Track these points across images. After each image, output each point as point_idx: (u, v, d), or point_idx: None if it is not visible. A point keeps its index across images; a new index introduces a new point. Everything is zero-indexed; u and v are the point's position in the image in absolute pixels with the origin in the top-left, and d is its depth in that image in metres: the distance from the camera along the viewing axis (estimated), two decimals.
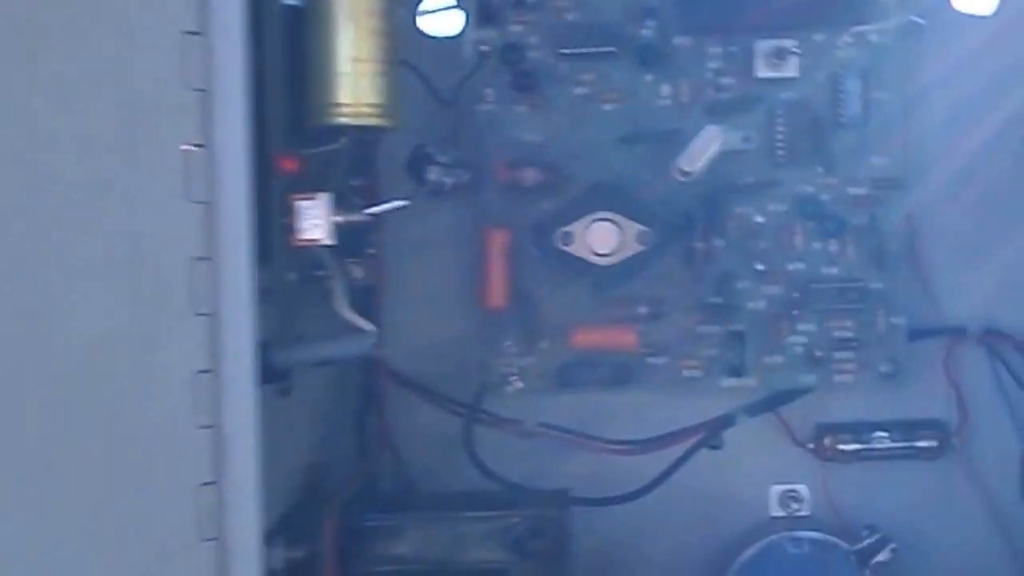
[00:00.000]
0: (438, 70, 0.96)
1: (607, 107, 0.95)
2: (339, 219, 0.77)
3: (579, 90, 0.95)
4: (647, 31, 0.95)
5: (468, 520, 0.87)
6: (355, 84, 0.78)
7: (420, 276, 0.97)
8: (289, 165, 0.74)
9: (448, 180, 0.90)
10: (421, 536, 0.87)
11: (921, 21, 0.94)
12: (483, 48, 0.95)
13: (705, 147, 0.90)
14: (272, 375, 0.78)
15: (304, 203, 0.76)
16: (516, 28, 0.95)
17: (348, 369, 0.94)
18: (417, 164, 0.91)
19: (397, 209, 0.78)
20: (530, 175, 0.93)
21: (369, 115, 0.78)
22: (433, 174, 0.90)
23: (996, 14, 0.94)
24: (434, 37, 0.98)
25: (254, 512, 0.67)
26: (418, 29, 0.97)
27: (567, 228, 0.93)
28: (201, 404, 0.65)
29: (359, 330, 0.80)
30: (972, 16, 0.94)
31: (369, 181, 0.91)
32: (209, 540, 0.66)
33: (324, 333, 0.81)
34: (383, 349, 0.95)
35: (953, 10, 0.94)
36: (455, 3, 0.96)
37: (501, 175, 0.93)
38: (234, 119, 0.66)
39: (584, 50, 0.94)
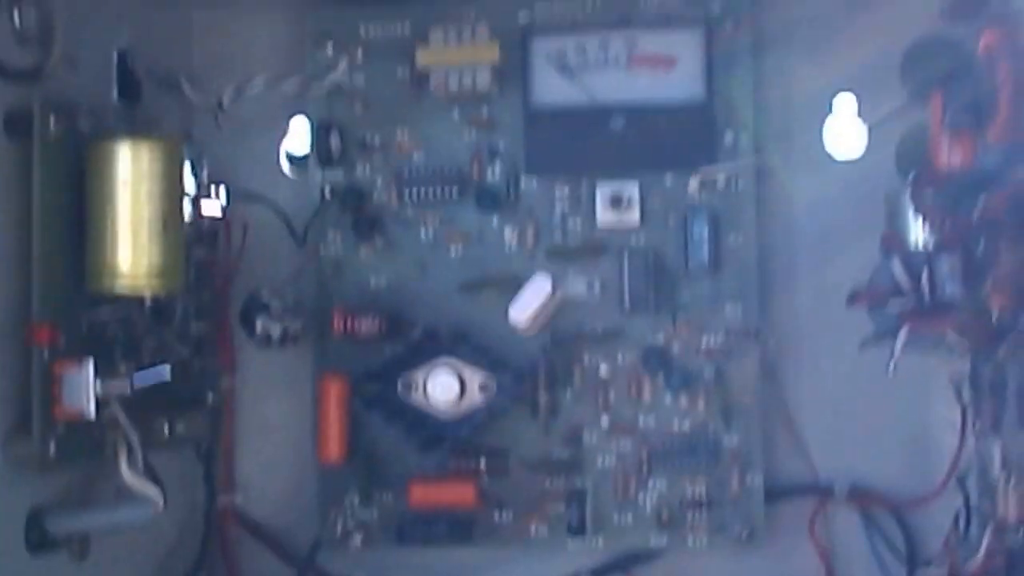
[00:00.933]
0: (300, 211, 0.95)
1: (452, 251, 0.93)
2: (101, 391, 0.75)
3: (424, 233, 0.93)
4: (493, 173, 0.92)
5: None
6: (131, 248, 0.77)
7: (265, 424, 0.95)
8: (45, 336, 0.73)
9: (276, 330, 0.89)
10: None
11: (772, 163, 0.90)
12: (326, 191, 0.93)
13: (535, 298, 0.88)
14: (49, 543, 0.77)
15: (67, 374, 0.75)
16: (361, 170, 0.94)
17: (191, 517, 0.92)
18: (249, 313, 0.90)
19: (161, 378, 0.77)
20: (370, 322, 0.91)
21: (145, 276, 0.77)
22: (261, 324, 0.89)
23: (861, 158, 0.90)
24: (292, 177, 0.96)
25: None
26: (280, 168, 0.96)
27: (408, 377, 0.91)
28: None
29: (144, 497, 0.79)
30: (836, 159, 0.90)
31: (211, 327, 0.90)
32: None
33: (110, 500, 0.80)
34: (232, 496, 0.94)
35: (814, 153, 0.90)
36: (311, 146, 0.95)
37: (337, 323, 0.90)
38: None
39: (429, 192, 0.92)
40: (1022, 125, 0.64)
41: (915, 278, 0.77)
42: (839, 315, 0.86)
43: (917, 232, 0.82)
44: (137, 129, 0.86)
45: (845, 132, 0.91)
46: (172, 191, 0.79)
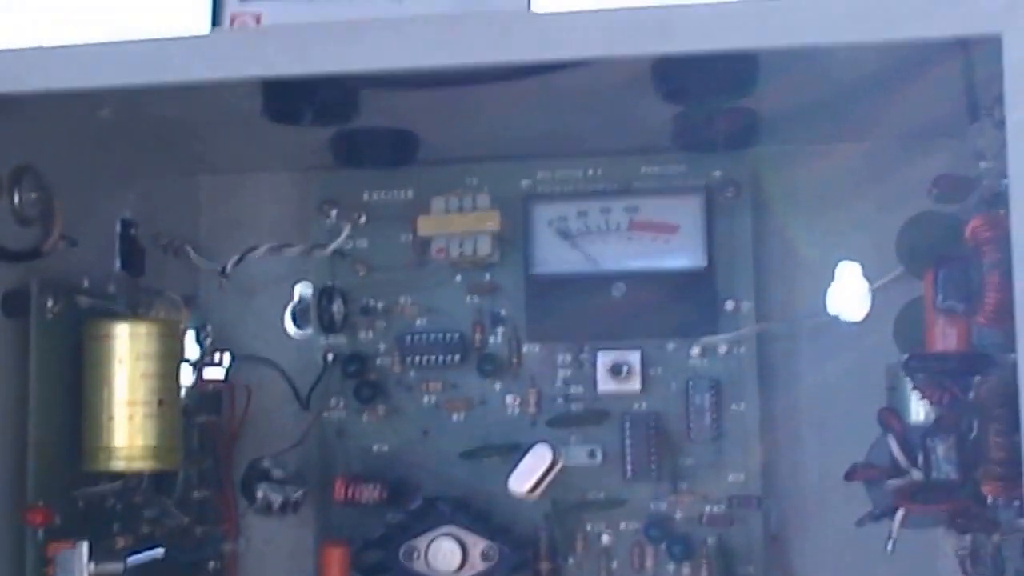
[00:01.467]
0: (302, 373, 0.96)
1: (455, 417, 0.93)
2: (95, 572, 0.76)
3: (427, 399, 0.94)
4: (495, 339, 0.93)
5: None
6: (126, 428, 0.78)
7: None
8: (39, 518, 0.74)
9: (277, 499, 0.90)
10: None
11: (781, 329, 0.90)
12: (329, 356, 0.94)
13: (535, 467, 0.88)
14: None
15: (61, 555, 0.76)
16: (363, 335, 0.95)
17: None
18: (250, 482, 0.91)
19: (155, 558, 0.77)
20: (372, 489, 0.92)
21: (141, 458, 0.78)
22: (261, 492, 0.90)
23: (864, 321, 0.90)
24: (296, 339, 0.97)
25: None
26: (284, 332, 0.97)
27: (410, 544, 0.91)
28: None
29: None
30: (838, 321, 0.91)
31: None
32: None
33: None
34: None
35: (816, 317, 0.90)
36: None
37: (339, 490, 0.91)
38: None
39: (432, 358, 0.93)
40: (1009, 311, 0.64)
41: (912, 457, 0.77)
42: (843, 484, 0.86)
43: (916, 407, 0.82)
44: (139, 298, 0.88)
45: (848, 297, 0.90)
46: (169, 371, 0.79)
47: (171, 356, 0.80)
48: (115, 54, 0.73)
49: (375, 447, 0.94)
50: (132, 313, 0.83)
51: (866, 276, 0.92)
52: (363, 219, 0.96)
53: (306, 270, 0.97)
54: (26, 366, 0.76)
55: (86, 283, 0.84)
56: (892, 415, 0.78)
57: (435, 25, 0.71)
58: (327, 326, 0.94)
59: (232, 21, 0.82)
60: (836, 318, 0.92)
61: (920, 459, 0.76)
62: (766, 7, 0.67)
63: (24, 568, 0.75)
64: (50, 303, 0.77)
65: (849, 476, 0.79)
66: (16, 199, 0.77)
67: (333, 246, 0.95)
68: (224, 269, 0.93)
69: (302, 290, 0.98)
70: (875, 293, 0.91)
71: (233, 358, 0.95)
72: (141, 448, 0.78)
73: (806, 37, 0.68)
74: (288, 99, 0.79)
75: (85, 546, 0.76)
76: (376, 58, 0.72)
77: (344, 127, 0.85)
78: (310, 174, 0.97)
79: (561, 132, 0.89)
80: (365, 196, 0.96)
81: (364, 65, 0.72)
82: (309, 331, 0.97)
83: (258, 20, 0.82)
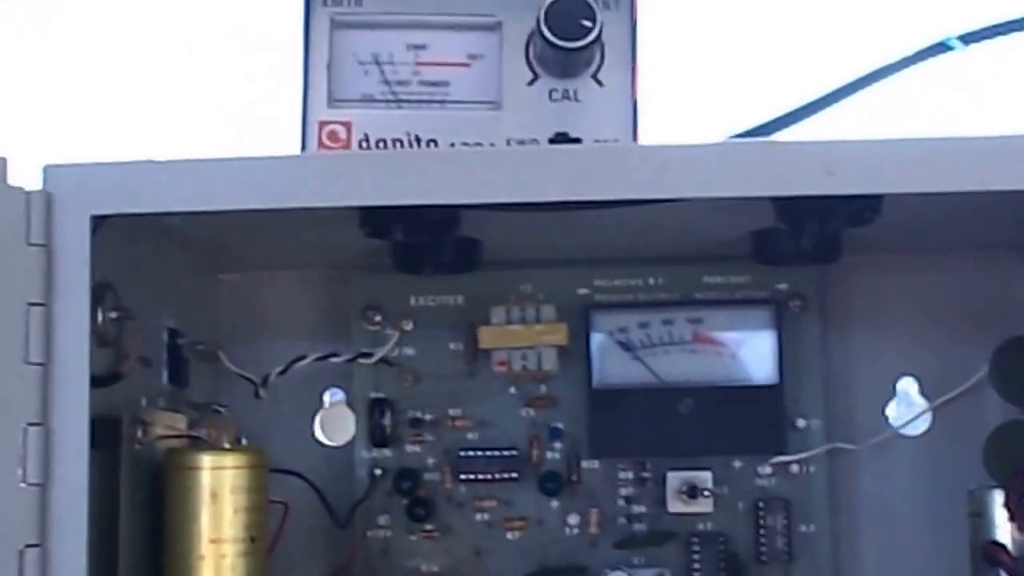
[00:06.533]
0: (333, 485, 0.96)
1: (510, 536, 0.94)
2: None
3: (480, 517, 0.94)
4: (553, 454, 0.94)
5: None
6: (215, 569, 0.77)
7: None
8: None
9: None
10: None
11: (851, 447, 0.93)
12: (377, 471, 0.94)
13: None
14: None
15: None
16: (412, 449, 0.95)
17: None
18: None
19: None
20: None
21: None
22: None
23: (927, 432, 0.94)
24: (328, 447, 0.97)
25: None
26: (314, 437, 0.97)
27: None
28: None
29: None
30: (903, 436, 0.94)
31: None
32: None
33: None
34: None
35: (876, 434, 0.94)
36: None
37: None
38: None
39: (485, 474, 0.94)
40: None
41: None
42: None
43: (1004, 535, 0.85)
44: (188, 413, 0.87)
45: (907, 411, 0.94)
46: (260, 504, 0.79)
47: (261, 488, 0.79)
48: (209, 174, 0.73)
49: (424, 568, 0.94)
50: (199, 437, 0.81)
51: (925, 393, 0.95)
52: (410, 326, 0.95)
53: (335, 376, 0.96)
54: (114, 502, 0.75)
55: (144, 402, 0.82)
56: (1001, 550, 0.82)
57: (543, 158, 0.72)
58: (377, 441, 0.94)
59: (320, 128, 0.82)
60: (897, 434, 0.94)
61: None
62: (892, 148, 0.70)
63: None
64: (140, 433, 0.76)
65: None
66: (100, 319, 0.76)
67: (381, 354, 0.94)
68: (267, 379, 0.92)
69: (331, 398, 0.97)
70: (936, 411, 0.94)
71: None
72: None
73: (933, 185, 0.71)
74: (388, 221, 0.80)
75: None
76: (477, 191, 0.73)
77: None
78: (347, 274, 0.97)
79: (623, 242, 0.91)
80: (412, 301, 0.96)
81: (465, 198, 0.73)
82: (342, 442, 0.96)
83: (347, 128, 0.82)
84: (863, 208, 0.77)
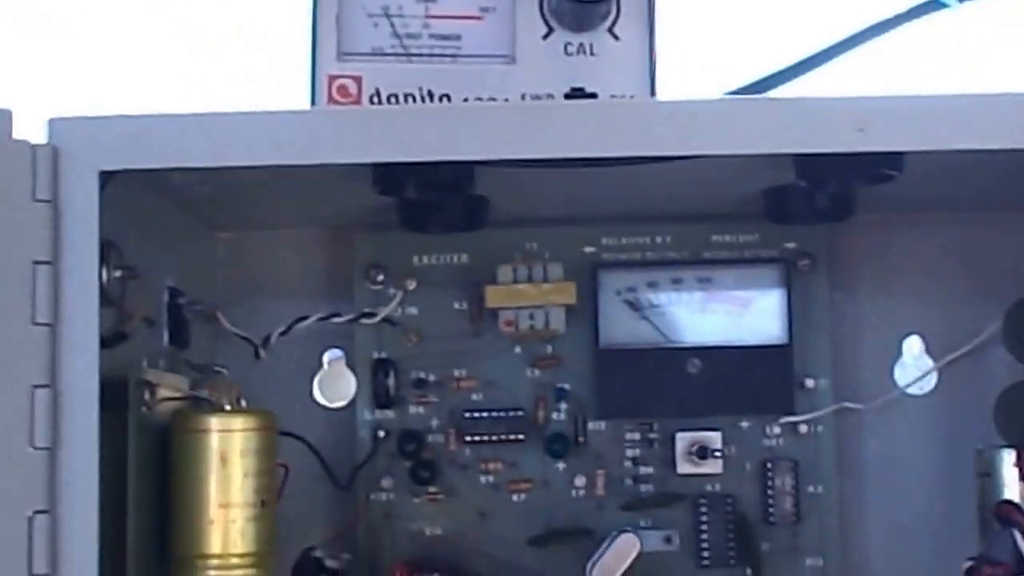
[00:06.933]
0: (334, 447, 0.94)
1: (515, 498, 0.93)
2: None
3: (485, 479, 0.93)
4: (559, 415, 0.93)
5: None
6: (224, 534, 0.75)
7: None
8: None
9: None
10: None
11: (858, 407, 0.93)
12: (380, 433, 0.93)
13: (621, 560, 0.88)
14: None
15: None
16: (416, 410, 0.93)
17: None
18: (304, 574, 0.88)
19: None
20: None
21: (240, 567, 0.75)
22: None
23: (934, 391, 0.93)
24: (330, 409, 0.95)
25: (92, 545, 0.67)
26: (313, 399, 0.95)
27: None
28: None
29: None
30: (909, 395, 0.93)
31: None
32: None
33: None
34: None
35: (884, 395, 0.93)
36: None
37: None
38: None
39: (491, 436, 0.92)
40: None
41: None
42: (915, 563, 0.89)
43: (1014, 494, 0.85)
44: (189, 375, 0.85)
45: (915, 371, 0.93)
46: (270, 467, 0.77)
47: (270, 451, 0.77)
48: (221, 128, 0.71)
49: (428, 531, 0.93)
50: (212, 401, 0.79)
51: (932, 352, 0.94)
52: (413, 285, 0.94)
53: (336, 337, 0.94)
54: (122, 466, 0.73)
55: (145, 364, 0.80)
56: (1014, 509, 0.81)
57: (567, 113, 0.70)
58: (382, 402, 0.92)
59: (329, 83, 0.80)
60: (904, 394, 0.94)
61: None
62: (923, 104, 0.69)
63: None
64: (147, 395, 0.74)
65: (970, 574, 0.81)
66: (105, 278, 0.74)
67: (384, 314, 0.93)
68: (267, 340, 0.90)
69: (331, 358, 0.96)
70: (943, 370, 0.93)
71: None
72: (236, 556, 0.75)
73: (953, 142, 0.70)
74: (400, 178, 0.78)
75: None
76: (494, 148, 0.71)
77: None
78: (349, 233, 0.95)
79: (632, 199, 0.89)
80: (415, 260, 0.94)
81: (482, 154, 0.71)
82: (341, 403, 0.95)
83: (357, 82, 0.81)
84: (886, 165, 0.76)
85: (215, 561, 0.76)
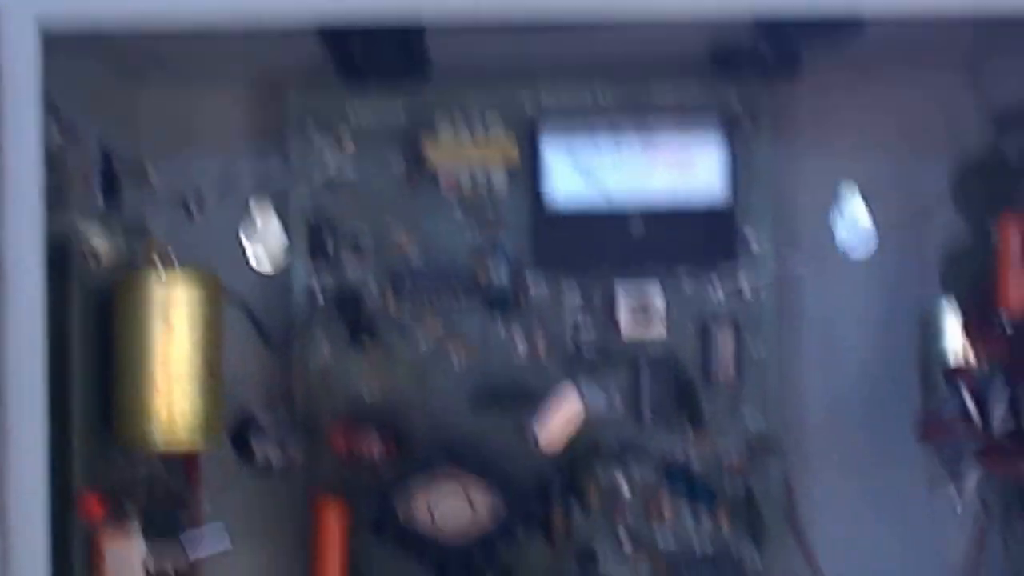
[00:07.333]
0: (269, 310, 0.93)
1: (455, 359, 0.91)
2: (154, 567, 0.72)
3: (424, 339, 0.91)
4: (500, 276, 0.91)
5: None
6: (169, 405, 0.73)
7: (250, 557, 0.92)
8: (96, 510, 0.69)
9: (277, 456, 0.87)
10: None
11: (800, 270, 0.92)
12: (316, 296, 0.91)
13: (566, 422, 0.88)
14: None
15: (115, 549, 0.71)
16: (352, 271, 0.91)
17: None
18: (243, 438, 0.87)
19: (221, 550, 0.74)
20: (371, 440, 0.89)
21: (186, 440, 0.73)
22: (260, 450, 0.86)
23: (873, 258, 0.93)
24: (263, 274, 0.93)
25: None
26: (247, 264, 0.92)
27: (411, 500, 0.90)
28: None
29: None
30: (847, 261, 0.93)
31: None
32: None
33: None
34: None
35: (825, 256, 0.93)
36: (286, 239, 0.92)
37: (336, 443, 0.88)
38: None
39: (429, 295, 0.91)
40: None
41: (986, 414, 0.81)
42: (854, 428, 0.91)
43: (957, 357, 0.86)
44: (116, 233, 0.82)
45: (856, 233, 0.93)
46: (216, 333, 0.75)
47: (217, 320, 0.75)
48: None
49: (366, 393, 0.91)
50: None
51: (876, 209, 0.94)
52: (350, 144, 0.91)
53: (279, 194, 0.92)
54: (66, 333, 0.70)
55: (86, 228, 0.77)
56: (963, 373, 0.82)
57: None
58: (321, 262, 0.90)
59: None
60: (845, 254, 0.94)
61: (997, 415, 0.80)
62: None
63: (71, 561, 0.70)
64: (92, 262, 0.71)
65: (924, 437, 0.82)
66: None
67: (321, 172, 0.90)
68: (200, 198, 0.87)
69: (260, 213, 0.93)
70: (883, 231, 0.93)
71: None
72: (183, 429, 0.73)
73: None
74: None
75: (139, 542, 0.71)
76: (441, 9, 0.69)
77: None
78: (282, 89, 0.91)
79: (569, 53, 0.87)
80: (350, 114, 0.91)
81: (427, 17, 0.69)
82: (270, 264, 0.92)
83: None
84: (845, 30, 0.75)
85: (161, 426, 0.73)
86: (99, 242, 0.74)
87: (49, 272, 0.69)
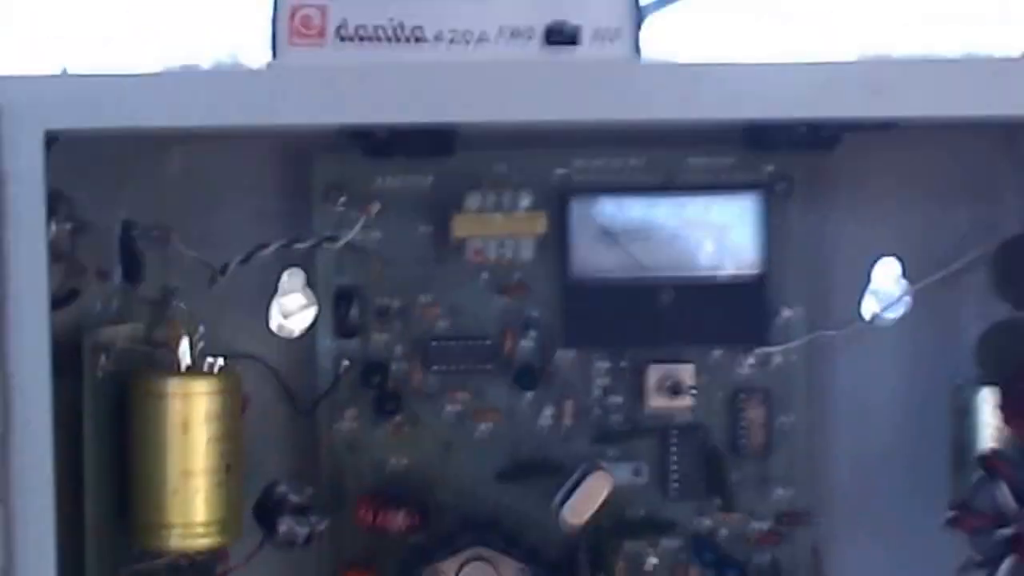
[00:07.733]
0: (295, 377, 0.92)
1: (482, 429, 0.91)
2: None
3: (451, 409, 0.90)
4: (527, 343, 0.90)
5: None
6: (185, 502, 0.73)
7: None
8: None
9: (303, 532, 0.86)
10: None
11: (832, 333, 0.91)
12: (344, 363, 0.90)
13: (593, 497, 0.87)
14: None
15: None
16: (379, 338, 0.90)
17: None
18: (268, 510, 0.87)
19: None
20: (398, 513, 0.89)
21: (202, 535, 0.73)
22: (285, 525, 0.86)
23: (903, 319, 0.91)
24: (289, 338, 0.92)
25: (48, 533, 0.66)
26: (269, 328, 0.92)
27: (437, 569, 0.89)
28: None
29: None
30: (876, 326, 0.91)
31: None
32: None
33: None
34: None
35: (856, 323, 0.91)
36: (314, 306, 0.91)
37: (363, 516, 0.88)
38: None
39: (456, 365, 0.90)
40: None
41: (1021, 501, 0.79)
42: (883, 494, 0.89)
43: (988, 436, 0.84)
44: (135, 309, 0.82)
45: (884, 298, 0.91)
46: (236, 430, 0.74)
47: (235, 413, 0.74)
48: (178, 88, 0.66)
49: (392, 462, 0.91)
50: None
51: (909, 273, 0.92)
52: (376, 208, 0.90)
53: (290, 260, 0.91)
54: (77, 436, 0.70)
55: (99, 309, 0.77)
56: (1001, 460, 0.80)
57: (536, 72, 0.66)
58: (346, 332, 0.89)
59: (292, 14, 0.76)
60: (874, 322, 0.92)
61: None
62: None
63: None
64: (103, 359, 0.71)
65: (954, 524, 0.80)
66: (52, 231, 0.70)
67: (347, 239, 0.89)
68: (226, 267, 0.87)
69: (289, 282, 0.92)
70: (917, 299, 0.91)
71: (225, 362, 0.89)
72: (200, 525, 0.73)
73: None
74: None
75: None
76: (469, 110, 0.67)
77: None
78: (308, 154, 0.91)
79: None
80: (378, 182, 0.90)
81: (454, 116, 0.67)
82: (297, 331, 0.92)
83: (322, 12, 0.76)
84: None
85: (178, 530, 0.73)
86: (111, 335, 0.73)
87: (59, 369, 0.68)
